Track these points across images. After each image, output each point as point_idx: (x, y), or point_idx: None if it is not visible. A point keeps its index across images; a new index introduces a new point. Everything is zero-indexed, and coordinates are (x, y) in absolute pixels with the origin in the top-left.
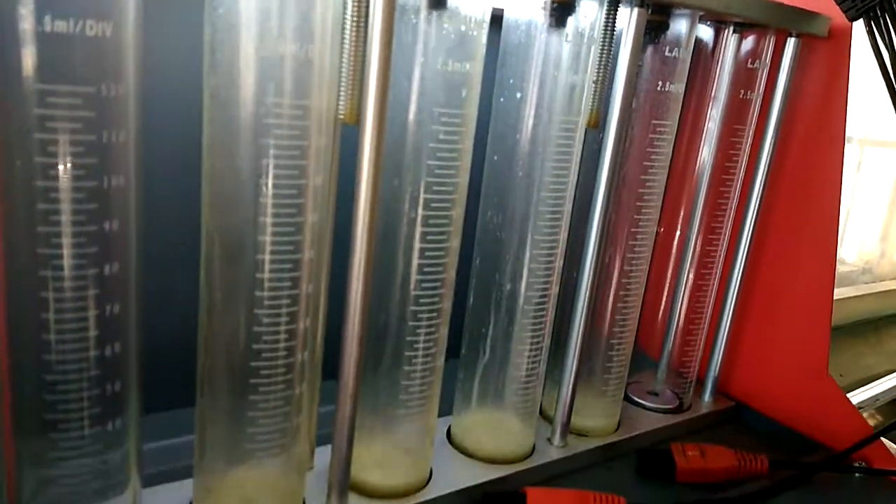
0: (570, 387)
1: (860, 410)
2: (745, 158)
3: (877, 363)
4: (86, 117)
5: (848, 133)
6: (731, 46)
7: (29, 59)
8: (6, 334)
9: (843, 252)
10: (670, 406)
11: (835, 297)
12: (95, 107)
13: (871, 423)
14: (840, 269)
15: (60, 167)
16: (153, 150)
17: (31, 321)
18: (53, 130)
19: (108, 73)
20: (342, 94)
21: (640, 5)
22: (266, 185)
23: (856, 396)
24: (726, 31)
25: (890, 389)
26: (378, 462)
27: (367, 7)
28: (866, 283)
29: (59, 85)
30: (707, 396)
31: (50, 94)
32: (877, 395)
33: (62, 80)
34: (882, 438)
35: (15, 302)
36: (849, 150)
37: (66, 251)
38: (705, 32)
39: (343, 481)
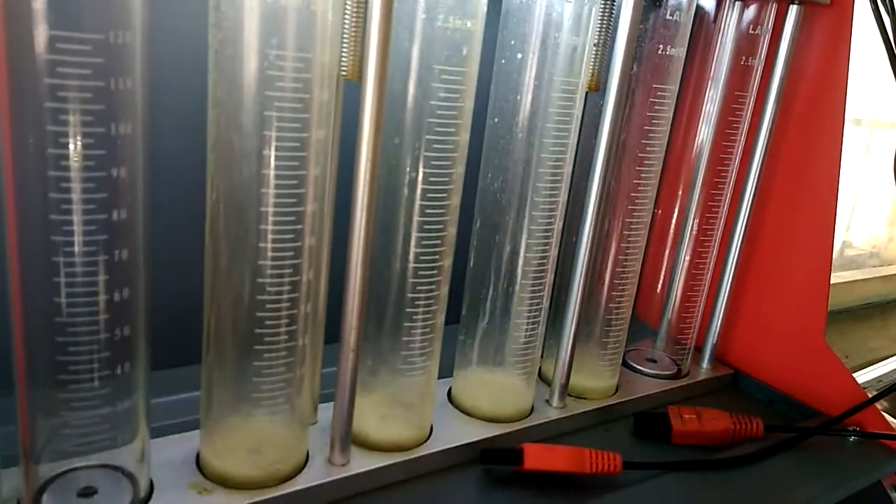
0: (569, 349)
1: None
2: (746, 130)
3: (883, 346)
4: (94, 63)
5: (857, 115)
6: (734, 14)
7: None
8: (19, 280)
9: (851, 236)
10: (668, 372)
11: (842, 280)
12: (103, 53)
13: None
14: (848, 252)
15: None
16: (160, 97)
17: (41, 266)
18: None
19: (115, 22)
20: (345, 50)
21: None
22: (269, 138)
23: (860, 377)
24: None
25: (893, 371)
26: (379, 417)
27: None
28: (874, 266)
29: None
30: (705, 363)
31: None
32: (880, 376)
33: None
34: (875, 404)
35: (26, 249)
36: (858, 132)
37: (74, 196)
38: (707, 2)
39: (345, 434)
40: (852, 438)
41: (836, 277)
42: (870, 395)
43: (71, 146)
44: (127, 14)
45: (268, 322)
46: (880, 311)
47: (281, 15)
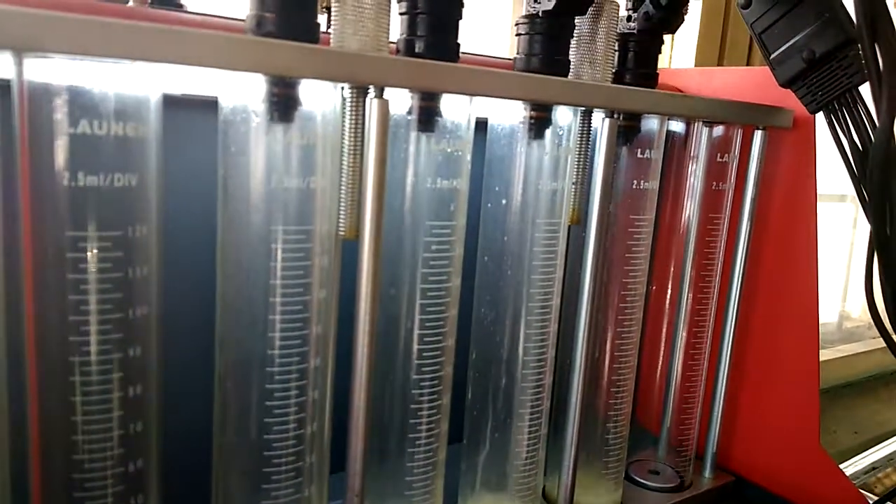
0: (571, 470)
1: (874, 471)
2: (724, 243)
3: (892, 419)
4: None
5: (842, 192)
6: (703, 140)
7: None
8: (38, 417)
9: (848, 307)
10: (671, 484)
11: (843, 354)
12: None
13: (889, 481)
14: (846, 325)
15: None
16: (174, 278)
17: (60, 404)
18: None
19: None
20: (342, 213)
21: (610, 116)
22: (274, 302)
23: (872, 455)
24: (696, 125)
25: None
26: None
27: (363, 139)
28: (873, 338)
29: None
30: (707, 472)
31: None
32: (890, 454)
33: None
34: None
35: (45, 387)
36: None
37: (92, 338)
38: (678, 126)
39: None
40: None
41: (836, 351)
42: (883, 476)
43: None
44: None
45: (273, 477)
46: (884, 383)
47: (283, 196)
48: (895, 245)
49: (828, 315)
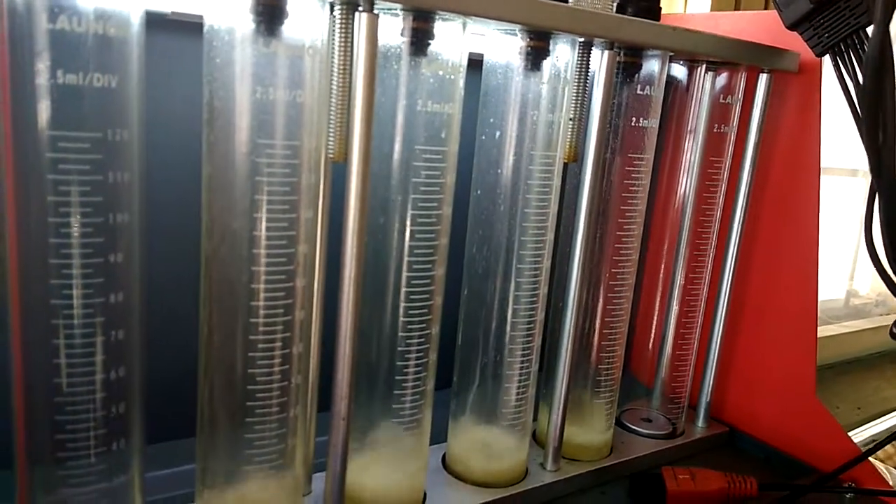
0: (561, 411)
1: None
2: (725, 189)
3: (895, 396)
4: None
5: (853, 165)
6: (705, 83)
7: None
8: (21, 360)
9: (856, 284)
10: (663, 432)
11: (850, 330)
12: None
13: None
14: (853, 301)
15: (71, 207)
16: (157, 190)
17: (42, 347)
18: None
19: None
20: (331, 134)
21: (610, 48)
22: (260, 218)
23: (872, 429)
24: (699, 69)
25: None
26: (373, 484)
27: (352, 57)
28: (881, 314)
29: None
30: (700, 422)
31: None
32: (894, 426)
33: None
34: (870, 459)
35: (27, 332)
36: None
37: (75, 281)
38: (679, 71)
39: (338, 503)
40: (848, 495)
41: (843, 327)
42: (863, 450)
43: (72, 233)
44: (124, 114)
45: (259, 395)
46: (890, 360)
47: (270, 108)
48: (887, 162)
49: (835, 292)
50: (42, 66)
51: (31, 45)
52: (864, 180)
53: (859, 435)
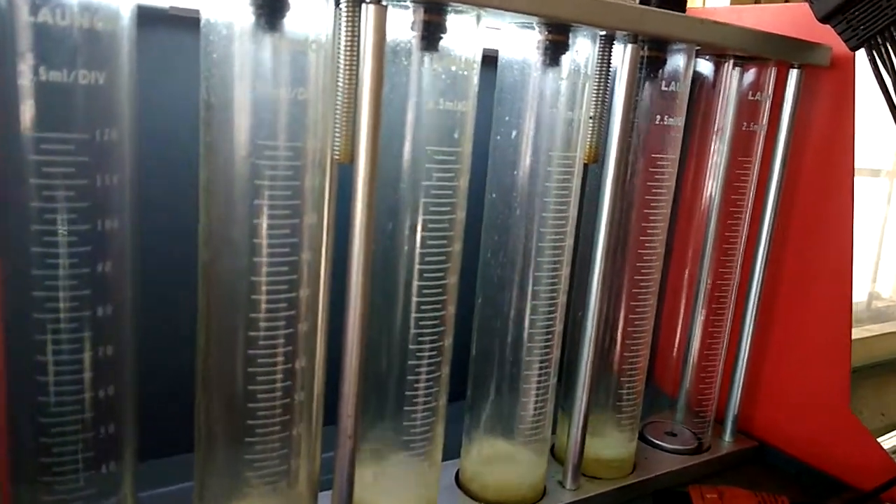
0: (581, 426)
1: None
2: (753, 191)
3: None
4: (80, 162)
5: (877, 166)
6: (732, 80)
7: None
8: (4, 378)
9: (878, 287)
10: (689, 447)
11: (872, 334)
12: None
13: None
14: (876, 304)
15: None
16: (151, 194)
17: (26, 364)
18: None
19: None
20: (336, 135)
21: (633, 42)
22: (260, 224)
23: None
24: (726, 65)
25: None
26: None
27: (358, 52)
28: None
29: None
30: (727, 436)
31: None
32: None
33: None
34: None
35: (11, 345)
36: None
37: (60, 294)
38: (705, 67)
39: None
40: None
41: (865, 331)
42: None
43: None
44: (113, 113)
45: (259, 413)
46: None
47: (271, 107)
48: None
49: (858, 294)
50: (23, 63)
51: (11, 40)
52: (888, 180)
53: (886, 442)
